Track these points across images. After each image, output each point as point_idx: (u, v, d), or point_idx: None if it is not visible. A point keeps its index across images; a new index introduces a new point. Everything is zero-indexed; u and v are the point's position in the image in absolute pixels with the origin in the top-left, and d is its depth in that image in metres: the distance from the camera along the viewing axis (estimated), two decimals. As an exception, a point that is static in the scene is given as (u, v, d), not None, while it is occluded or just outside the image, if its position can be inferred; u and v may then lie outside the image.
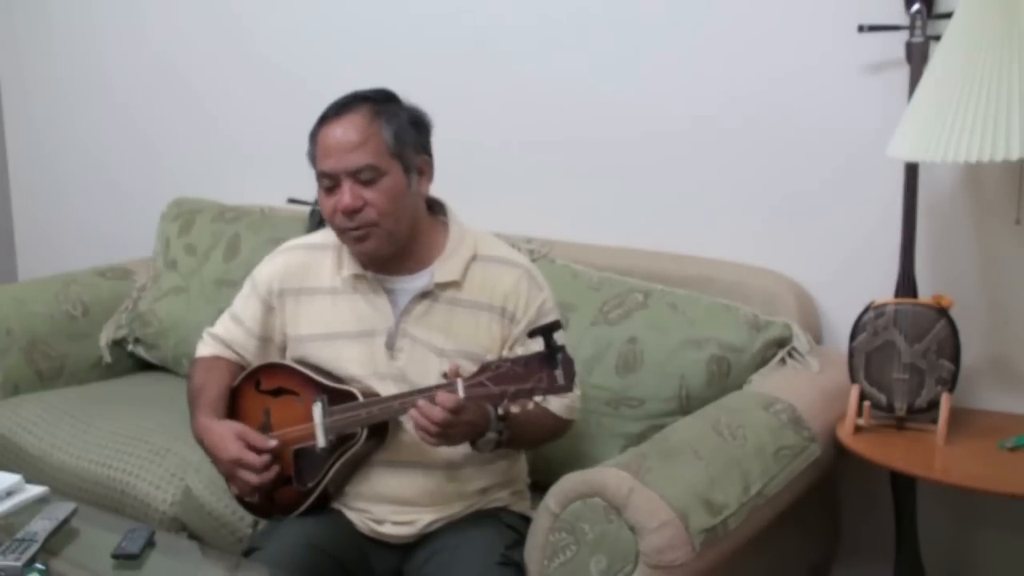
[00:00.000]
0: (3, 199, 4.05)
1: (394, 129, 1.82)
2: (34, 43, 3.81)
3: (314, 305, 1.93)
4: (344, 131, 1.80)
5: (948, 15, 1.91)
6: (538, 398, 1.86)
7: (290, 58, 3.10)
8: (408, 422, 1.77)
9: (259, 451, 1.83)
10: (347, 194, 1.79)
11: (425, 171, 1.88)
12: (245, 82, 3.23)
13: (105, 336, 3.02)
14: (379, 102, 1.84)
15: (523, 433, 1.86)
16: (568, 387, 1.67)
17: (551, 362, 1.66)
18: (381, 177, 1.79)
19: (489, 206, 2.49)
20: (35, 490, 1.95)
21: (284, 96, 3.12)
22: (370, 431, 1.82)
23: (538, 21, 2.61)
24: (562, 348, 1.67)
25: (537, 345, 1.69)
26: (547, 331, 1.68)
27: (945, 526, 2.23)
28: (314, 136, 1.85)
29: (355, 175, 1.79)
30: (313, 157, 1.85)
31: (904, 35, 2.06)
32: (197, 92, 3.36)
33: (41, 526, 1.75)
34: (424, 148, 1.87)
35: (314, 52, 3.05)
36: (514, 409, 1.83)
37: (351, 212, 1.79)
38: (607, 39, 2.51)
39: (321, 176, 1.82)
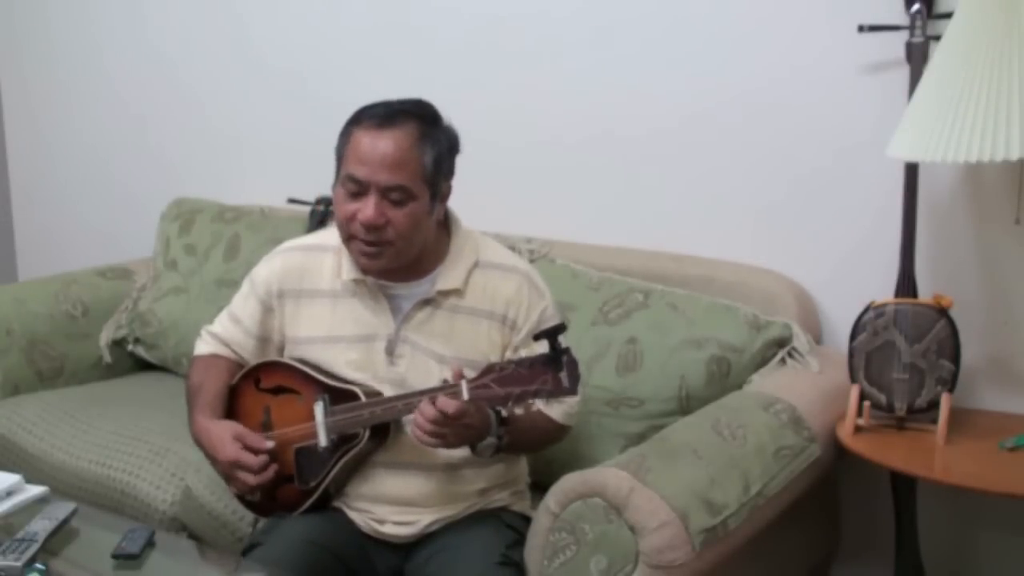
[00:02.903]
0: (3, 199, 4.05)
1: (435, 155, 1.78)
2: (34, 43, 3.81)
3: (314, 308, 1.92)
4: (387, 145, 1.75)
5: (948, 15, 1.91)
6: (540, 403, 1.86)
7: (291, 58, 3.10)
8: (409, 424, 1.77)
9: (256, 452, 1.83)
10: (372, 208, 1.75)
11: (446, 196, 1.86)
12: (246, 82, 3.23)
13: (105, 336, 3.02)
14: (426, 122, 1.79)
15: (522, 439, 1.86)
16: (573, 390, 1.66)
17: (556, 364, 1.65)
18: (410, 201, 1.77)
19: (489, 206, 2.49)
20: (35, 490, 1.95)
21: (285, 96, 3.12)
22: (372, 431, 1.82)
23: (537, 21, 2.61)
24: (567, 350, 1.66)
25: (542, 348, 1.68)
26: (552, 334, 1.67)
27: (945, 526, 2.23)
28: (349, 134, 1.80)
29: (386, 192, 1.75)
30: (340, 155, 1.81)
31: (904, 35, 2.06)
32: (197, 92, 3.36)
33: (41, 526, 1.75)
34: (452, 174, 1.85)
35: (315, 52, 3.04)
36: (518, 411, 1.83)
37: (371, 227, 1.77)
38: (606, 39, 2.51)
39: (349, 180, 1.78)
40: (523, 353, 1.82)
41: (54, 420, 2.61)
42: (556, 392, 1.67)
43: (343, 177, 1.79)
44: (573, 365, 1.66)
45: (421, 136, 1.77)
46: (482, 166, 2.67)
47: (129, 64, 3.52)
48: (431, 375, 1.82)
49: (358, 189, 1.77)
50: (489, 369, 1.69)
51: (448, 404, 1.68)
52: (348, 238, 1.82)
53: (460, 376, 1.70)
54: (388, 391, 1.84)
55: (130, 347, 3.04)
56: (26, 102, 3.93)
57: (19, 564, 1.62)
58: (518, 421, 1.84)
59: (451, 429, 1.71)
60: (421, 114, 1.80)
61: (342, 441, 1.82)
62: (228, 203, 3.12)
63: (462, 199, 2.00)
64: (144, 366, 3.06)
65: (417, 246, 1.83)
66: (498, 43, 2.69)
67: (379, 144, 1.75)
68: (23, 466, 2.47)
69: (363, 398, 1.81)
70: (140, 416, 2.58)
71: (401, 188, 1.75)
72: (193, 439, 1.92)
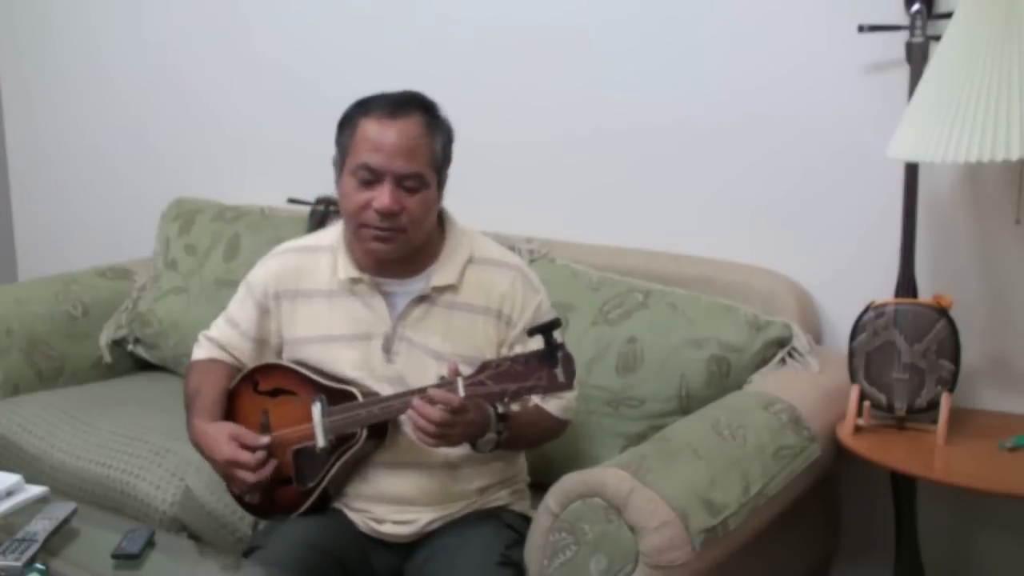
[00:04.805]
0: (3, 199, 4.05)
1: (442, 143, 1.83)
2: (34, 42, 3.81)
3: (310, 308, 1.93)
4: (400, 133, 1.77)
5: (948, 15, 1.91)
6: (536, 398, 1.86)
7: (291, 57, 3.10)
8: (407, 424, 1.77)
9: (252, 449, 1.83)
10: (388, 195, 1.76)
11: (443, 185, 1.88)
12: (246, 81, 3.23)
13: (105, 336, 3.02)
14: (431, 112, 1.83)
15: (522, 434, 1.86)
16: (568, 385, 1.67)
17: (551, 360, 1.66)
18: (423, 188, 1.79)
19: (489, 206, 2.49)
20: (35, 490, 1.95)
21: (285, 96, 3.12)
22: (370, 431, 1.82)
23: (538, 20, 2.61)
24: (562, 346, 1.67)
25: (537, 344, 1.69)
26: (547, 329, 1.68)
27: (945, 526, 2.23)
28: (355, 124, 1.81)
29: (401, 180, 1.77)
30: (346, 145, 1.82)
31: (904, 35, 2.07)
32: (198, 92, 3.36)
33: (41, 526, 1.75)
34: (450, 163, 1.88)
35: (315, 51, 3.05)
36: (514, 408, 1.83)
37: (388, 214, 1.78)
38: (607, 38, 2.51)
39: (362, 168, 1.78)
40: (519, 349, 1.83)
41: (54, 420, 2.61)
42: (552, 388, 1.68)
43: (355, 166, 1.79)
44: (568, 360, 1.67)
45: (429, 125, 1.81)
46: (482, 166, 2.69)
47: (129, 64, 3.52)
48: (428, 372, 1.82)
49: (372, 177, 1.78)
50: (485, 366, 1.70)
51: (448, 397, 1.68)
52: (359, 227, 1.81)
53: (456, 373, 1.70)
54: (386, 389, 1.84)
55: (130, 347, 3.04)
56: (26, 102, 3.93)
57: (19, 564, 1.62)
58: (517, 417, 1.84)
59: (452, 427, 1.71)
60: (425, 104, 1.84)
61: (340, 441, 1.82)
62: (228, 203, 3.12)
63: (463, 199, 2.01)
64: (144, 366, 3.06)
65: (424, 234, 1.85)
66: (499, 43, 2.69)
67: (393, 133, 1.77)
68: (23, 466, 2.47)
69: (360, 398, 1.82)
70: (140, 416, 2.58)
71: (416, 176, 1.78)
72: (192, 443, 1.92)
